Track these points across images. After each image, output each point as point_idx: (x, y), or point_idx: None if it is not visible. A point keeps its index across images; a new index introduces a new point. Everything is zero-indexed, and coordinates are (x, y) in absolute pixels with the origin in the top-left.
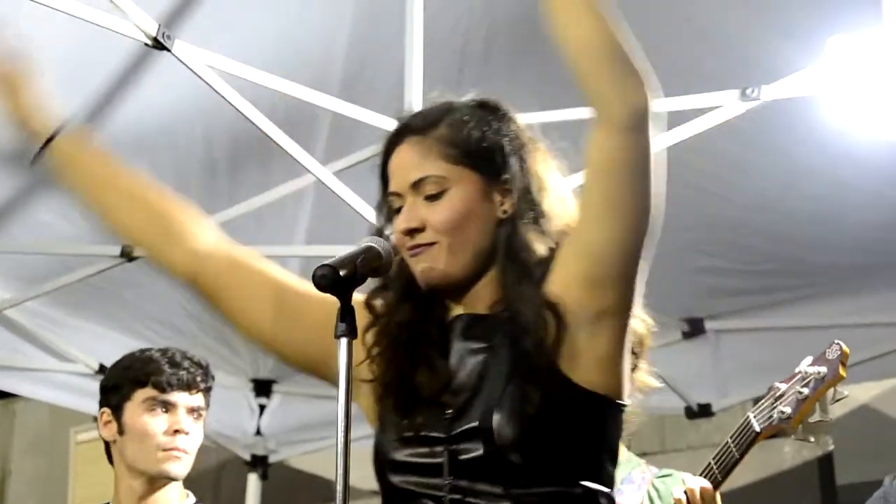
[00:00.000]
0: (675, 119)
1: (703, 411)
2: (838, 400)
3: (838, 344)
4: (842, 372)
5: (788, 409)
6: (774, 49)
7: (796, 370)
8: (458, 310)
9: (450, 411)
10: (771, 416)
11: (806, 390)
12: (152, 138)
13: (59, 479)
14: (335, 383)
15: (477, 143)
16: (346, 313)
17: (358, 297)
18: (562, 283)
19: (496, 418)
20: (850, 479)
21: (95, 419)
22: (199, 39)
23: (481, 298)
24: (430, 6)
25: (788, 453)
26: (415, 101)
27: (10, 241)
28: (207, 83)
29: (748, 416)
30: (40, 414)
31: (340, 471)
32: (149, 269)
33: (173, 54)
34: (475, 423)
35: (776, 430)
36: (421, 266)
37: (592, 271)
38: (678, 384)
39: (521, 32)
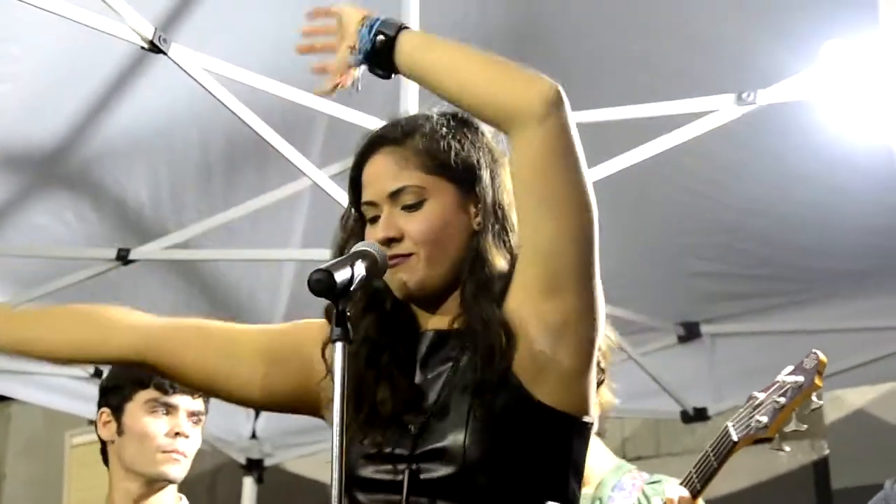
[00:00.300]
0: (672, 123)
1: (699, 415)
2: (813, 409)
3: (815, 353)
4: (818, 381)
5: (765, 419)
6: (770, 53)
7: (776, 379)
8: (426, 322)
9: (413, 429)
10: (749, 426)
11: (783, 399)
12: (148, 141)
13: (54, 482)
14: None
15: (454, 155)
16: (342, 318)
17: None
18: (521, 296)
19: (461, 439)
20: (846, 483)
21: (91, 422)
22: (195, 43)
23: (450, 311)
24: (425, 12)
25: (784, 457)
26: (411, 105)
27: (5, 243)
28: (203, 86)
29: (727, 426)
30: (35, 417)
31: (335, 475)
32: (144, 272)
33: (169, 57)
34: (441, 444)
35: (754, 439)
36: (398, 277)
37: (547, 273)
38: (674, 388)
39: (515, 39)
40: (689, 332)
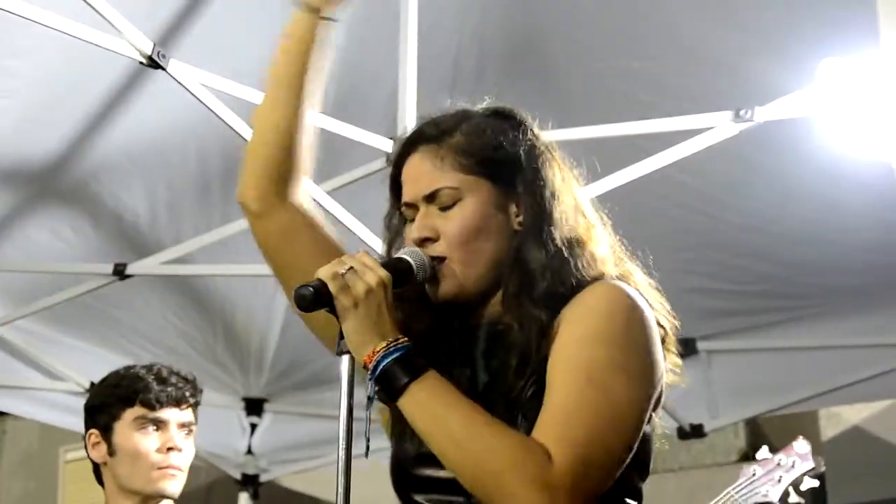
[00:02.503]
0: (669, 140)
1: (696, 432)
2: (809, 488)
3: (805, 440)
4: (814, 462)
5: (772, 491)
6: (768, 71)
7: (762, 456)
8: (479, 316)
9: None
10: (756, 492)
11: (784, 476)
12: (146, 156)
13: (48, 497)
14: None
15: (493, 152)
16: None
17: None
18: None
19: None
20: (843, 499)
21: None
22: (193, 58)
23: (497, 309)
24: (422, 26)
25: None
26: (408, 120)
27: (1, 258)
28: (202, 101)
29: (729, 492)
30: (30, 432)
31: (341, 490)
32: (141, 287)
33: (168, 73)
34: None
35: None
36: (433, 286)
37: None
38: (670, 404)
39: (512, 52)
40: (686, 349)
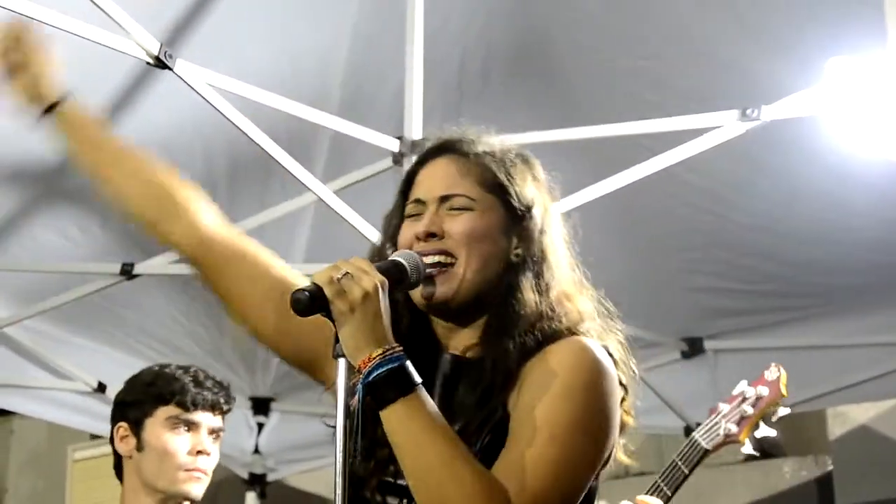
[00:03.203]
0: (676, 139)
1: None
2: (781, 417)
3: (777, 366)
4: (783, 392)
5: (734, 428)
6: (775, 70)
7: (735, 392)
8: (445, 342)
9: None
10: (718, 434)
11: (750, 409)
12: (153, 156)
13: (56, 496)
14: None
15: (513, 185)
16: None
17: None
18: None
19: None
20: (850, 499)
21: (93, 437)
22: (200, 58)
23: (470, 336)
24: (429, 26)
25: (787, 473)
26: (415, 121)
27: (9, 258)
28: (208, 101)
29: (693, 437)
30: (38, 431)
31: (339, 491)
32: (149, 286)
33: (175, 73)
34: None
35: (723, 445)
36: (430, 287)
37: None
38: (677, 403)
39: (517, 54)
40: (693, 348)
